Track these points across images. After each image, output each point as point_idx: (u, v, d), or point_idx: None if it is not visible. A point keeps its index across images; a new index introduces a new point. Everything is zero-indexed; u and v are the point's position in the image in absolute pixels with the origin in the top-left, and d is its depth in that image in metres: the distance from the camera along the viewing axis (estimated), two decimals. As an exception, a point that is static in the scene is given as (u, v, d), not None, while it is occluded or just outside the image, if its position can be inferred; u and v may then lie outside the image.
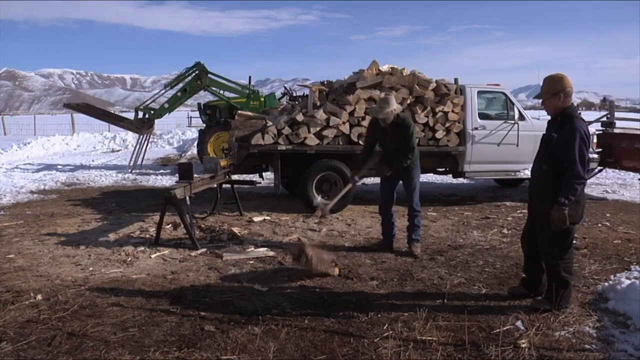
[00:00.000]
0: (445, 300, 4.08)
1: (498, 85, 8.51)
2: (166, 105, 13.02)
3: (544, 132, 3.88)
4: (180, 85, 13.09)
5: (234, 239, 5.97)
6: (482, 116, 8.09)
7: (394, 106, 5.22)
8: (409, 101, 7.66)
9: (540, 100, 3.82)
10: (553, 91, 3.72)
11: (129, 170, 12.15)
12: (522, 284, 4.22)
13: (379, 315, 3.79)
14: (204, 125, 13.83)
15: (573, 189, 3.57)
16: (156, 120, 13.20)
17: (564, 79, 3.74)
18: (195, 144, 14.49)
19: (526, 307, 3.95)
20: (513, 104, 8.26)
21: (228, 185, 7.41)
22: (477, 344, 3.33)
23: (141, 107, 13.22)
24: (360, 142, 7.60)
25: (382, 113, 5.21)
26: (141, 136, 12.99)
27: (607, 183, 10.69)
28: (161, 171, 12.49)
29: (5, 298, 4.08)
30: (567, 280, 3.84)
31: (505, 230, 6.48)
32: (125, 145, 18.87)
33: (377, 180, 5.41)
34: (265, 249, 5.58)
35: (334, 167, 7.50)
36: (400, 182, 5.51)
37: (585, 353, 3.23)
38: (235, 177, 8.00)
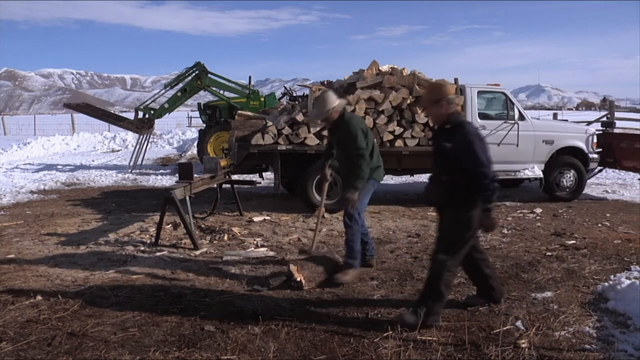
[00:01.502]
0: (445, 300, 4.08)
1: (498, 85, 8.51)
2: (166, 105, 13.02)
3: (436, 143, 3.74)
4: (180, 85, 13.10)
5: (234, 239, 5.97)
6: (482, 116, 8.09)
7: (334, 104, 4.45)
8: (409, 101, 7.66)
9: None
10: (434, 99, 3.58)
11: (129, 170, 12.15)
12: (478, 294, 4.04)
13: (379, 315, 3.79)
14: (204, 125, 13.83)
15: (490, 190, 3.43)
16: (156, 120, 13.21)
17: (444, 86, 3.64)
18: (195, 144, 14.49)
19: (525, 307, 3.95)
20: (513, 104, 8.26)
21: (228, 185, 7.41)
22: (477, 344, 3.33)
23: (141, 107, 13.22)
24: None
25: (320, 114, 4.52)
26: (141, 136, 12.99)
27: (607, 183, 10.70)
28: (161, 171, 12.50)
29: (5, 298, 4.08)
30: (442, 294, 3.56)
31: (505, 230, 6.48)
32: (125, 145, 18.87)
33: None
34: (265, 249, 5.59)
35: (333, 167, 7.48)
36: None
37: (585, 353, 3.23)
38: (235, 177, 8.00)
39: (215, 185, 7.08)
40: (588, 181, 9.10)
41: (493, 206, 3.47)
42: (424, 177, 10.77)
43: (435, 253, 3.65)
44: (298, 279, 4.32)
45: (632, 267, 4.90)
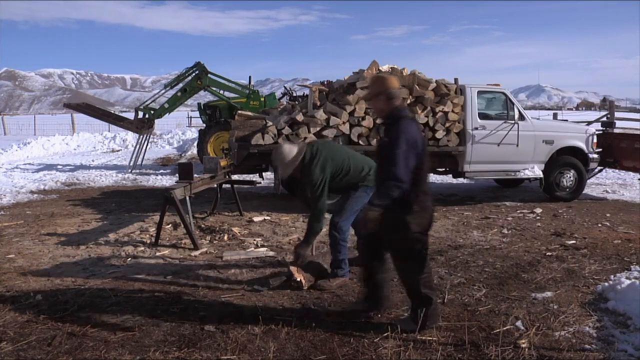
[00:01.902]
0: (445, 300, 4.08)
1: (498, 85, 8.51)
2: (166, 105, 13.02)
3: (380, 138, 3.51)
4: (180, 85, 13.10)
5: (234, 239, 5.97)
6: (482, 116, 8.09)
7: (291, 156, 4.14)
8: (408, 101, 7.66)
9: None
10: (375, 92, 3.45)
11: (129, 170, 12.15)
12: (364, 298, 3.84)
13: (379, 315, 3.79)
14: (204, 125, 13.83)
15: (388, 190, 3.21)
16: (156, 120, 13.21)
17: (386, 79, 3.45)
18: (195, 144, 14.48)
19: (525, 307, 3.95)
20: (513, 104, 8.26)
21: (228, 185, 7.41)
22: (477, 344, 3.33)
23: (141, 107, 13.22)
24: (361, 142, 7.61)
25: (284, 171, 4.23)
26: (141, 136, 12.99)
27: (607, 183, 10.69)
28: (161, 171, 12.49)
29: (5, 298, 4.08)
30: (428, 296, 3.46)
31: (505, 230, 6.48)
32: (125, 145, 18.87)
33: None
34: (265, 249, 5.59)
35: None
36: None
37: (585, 353, 3.23)
38: (235, 177, 8.00)
39: (215, 185, 7.08)
40: (588, 181, 9.10)
41: (380, 206, 3.25)
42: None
43: (394, 261, 3.55)
44: (298, 279, 4.31)
45: (632, 267, 4.90)
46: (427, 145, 3.51)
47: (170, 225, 6.43)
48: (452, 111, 7.78)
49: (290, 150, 4.19)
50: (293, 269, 4.36)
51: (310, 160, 4.17)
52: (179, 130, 21.94)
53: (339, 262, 4.43)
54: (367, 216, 3.31)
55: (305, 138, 7.42)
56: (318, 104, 7.89)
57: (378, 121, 6.43)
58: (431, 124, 7.72)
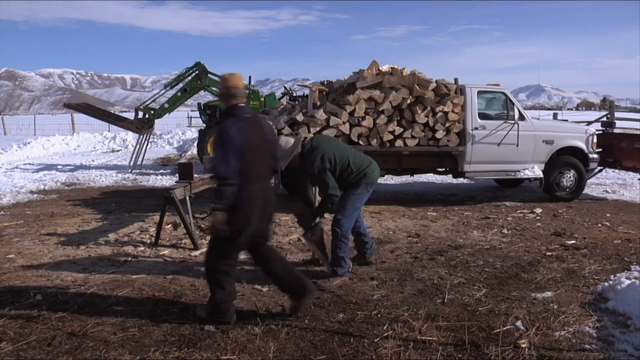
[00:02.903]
0: (445, 300, 4.09)
1: (498, 85, 8.51)
2: (166, 105, 13.02)
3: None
4: (180, 85, 13.09)
5: (234, 239, 5.96)
6: (482, 116, 8.09)
7: (288, 146, 4.35)
8: (408, 101, 7.66)
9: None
10: (220, 91, 3.67)
11: (129, 170, 12.15)
12: (291, 297, 3.87)
13: (379, 315, 3.79)
14: (204, 125, 13.82)
15: (218, 191, 3.31)
16: (156, 120, 13.20)
17: (228, 79, 3.56)
18: (195, 144, 14.49)
19: (525, 307, 3.95)
20: (513, 104, 8.26)
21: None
22: (477, 344, 3.33)
23: (141, 107, 13.22)
24: (361, 142, 7.61)
25: (284, 164, 4.37)
26: (141, 136, 12.99)
27: (607, 183, 10.69)
28: (161, 171, 12.50)
29: (5, 298, 4.08)
30: (214, 293, 3.55)
31: (505, 230, 6.48)
32: (125, 145, 18.87)
33: (379, 180, 5.31)
34: (265, 249, 5.58)
35: (298, 205, 7.45)
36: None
37: (585, 353, 3.23)
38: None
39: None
40: (588, 181, 9.10)
41: (219, 208, 3.32)
42: (424, 177, 10.79)
43: (206, 254, 3.72)
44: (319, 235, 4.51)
45: (632, 267, 4.90)
46: (264, 143, 3.56)
47: (170, 225, 6.43)
48: (452, 111, 7.78)
49: (287, 142, 4.39)
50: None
51: (311, 151, 4.35)
52: (179, 130, 21.93)
53: (339, 259, 4.48)
54: (213, 221, 3.39)
55: (305, 138, 7.41)
56: (318, 104, 7.89)
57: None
58: (431, 124, 7.72)
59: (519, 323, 3.64)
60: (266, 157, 3.59)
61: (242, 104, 3.56)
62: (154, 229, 6.15)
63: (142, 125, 12.80)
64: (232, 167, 3.30)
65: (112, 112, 18.80)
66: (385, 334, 3.43)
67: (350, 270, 4.63)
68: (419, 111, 7.63)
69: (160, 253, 5.38)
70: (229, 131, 3.36)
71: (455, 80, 8.22)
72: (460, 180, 10.14)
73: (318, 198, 5.02)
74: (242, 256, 4.05)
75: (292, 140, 4.44)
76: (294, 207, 4.74)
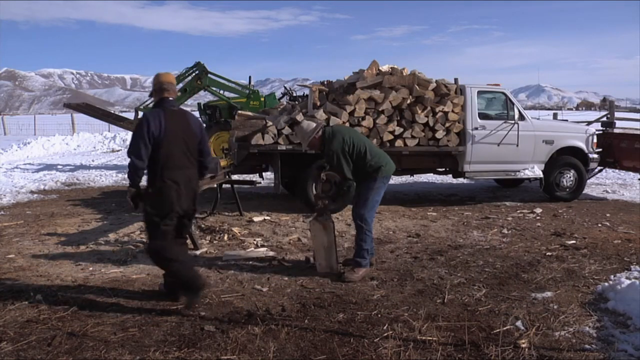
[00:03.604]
0: (445, 300, 4.09)
1: (498, 85, 8.51)
2: (166, 105, 13.00)
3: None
4: (180, 85, 13.08)
5: (234, 239, 5.97)
6: (482, 116, 8.09)
7: (309, 130, 4.67)
8: (408, 101, 7.66)
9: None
10: (153, 88, 3.97)
11: (129, 170, 12.13)
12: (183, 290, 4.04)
13: (379, 315, 3.79)
14: (204, 125, 13.82)
15: (129, 169, 3.72)
16: (156, 120, 13.19)
17: (159, 75, 3.95)
18: (196, 144, 14.46)
19: (525, 307, 3.95)
20: (513, 104, 8.25)
21: (228, 185, 7.41)
22: (477, 344, 3.33)
23: (141, 107, 13.21)
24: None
25: (303, 144, 4.78)
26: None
27: (607, 183, 10.70)
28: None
29: (5, 298, 4.08)
30: (172, 271, 3.90)
31: (505, 230, 6.48)
32: (125, 145, 18.84)
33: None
34: (265, 249, 5.59)
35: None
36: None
37: (585, 353, 3.23)
38: (235, 177, 7.99)
39: (215, 185, 7.08)
40: (588, 181, 9.10)
41: (130, 184, 3.75)
42: (424, 177, 10.79)
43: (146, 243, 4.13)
44: (311, 260, 4.83)
45: (632, 267, 4.90)
46: (185, 135, 3.86)
47: (170, 225, 6.42)
48: (452, 111, 7.78)
49: (309, 125, 4.74)
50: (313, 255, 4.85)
51: (331, 138, 4.58)
52: (179, 130, 21.90)
53: (363, 252, 4.68)
54: (128, 195, 3.81)
55: (326, 125, 7.38)
56: (318, 104, 7.88)
57: None
58: (431, 124, 7.72)
59: (519, 323, 3.64)
60: (187, 148, 3.86)
61: (170, 98, 3.90)
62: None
63: (142, 125, 12.78)
64: (136, 151, 3.66)
65: (112, 112, 18.79)
66: (385, 334, 3.44)
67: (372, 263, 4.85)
68: (419, 111, 7.62)
69: (160, 253, 5.37)
70: (145, 121, 3.73)
71: (455, 80, 8.22)
72: (460, 180, 10.14)
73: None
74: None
75: (313, 124, 4.73)
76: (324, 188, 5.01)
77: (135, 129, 3.75)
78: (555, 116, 16.83)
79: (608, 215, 7.46)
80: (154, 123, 3.69)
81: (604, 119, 12.12)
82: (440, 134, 7.78)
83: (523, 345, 3.28)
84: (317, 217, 4.79)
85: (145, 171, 3.81)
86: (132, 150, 3.68)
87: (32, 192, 9.43)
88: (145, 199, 3.78)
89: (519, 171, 8.22)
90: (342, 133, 4.66)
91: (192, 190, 3.90)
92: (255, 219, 7.04)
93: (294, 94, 13.31)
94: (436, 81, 7.91)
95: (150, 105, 13.21)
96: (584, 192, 8.76)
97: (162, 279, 4.16)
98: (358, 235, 4.68)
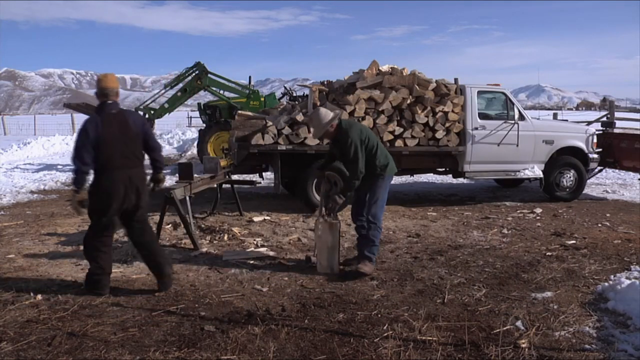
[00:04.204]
0: (445, 300, 4.09)
1: (498, 85, 8.51)
2: (166, 105, 13.02)
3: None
4: (180, 85, 13.09)
5: (234, 239, 5.97)
6: (482, 116, 8.09)
7: (327, 118, 4.61)
8: (408, 101, 7.66)
9: None
10: (95, 92, 4.13)
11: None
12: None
13: (379, 315, 3.79)
14: (204, 125, 13.82)
15: (74, 176, 3.95)
16: (156, 120, 13.20)
17: (100, 80, 4.07)
18: (195, 144, 14.47)
19: (525, 307, 3.95)
20: (513, 104, 8.26)
21: (228, 185, 7.40)
22: (477, 344, 3.33)
23: (141, 107, 13.21)
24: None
25: (317, 132, 4.75)
26: (141, 136, 12.96)
27: (607, 183, 10.70)
28: (161, 171, 12.47)
29: (5, 298, 4.08)
30: (90, 265, 4.19)
31: (505, 230, 6.49)
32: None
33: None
34: (265, 249, 5.59)
35: (334, 167, 7.48)
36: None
37: (585, 353, 3.23)
38: (235, 177, 7.99)
39: (215, 185, 7.08)
40: (588, 181, 9.10)
41: (75, 189, 3.95)
42: (424, 177, 10.79)
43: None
44: (313, 260, 4.82)
45: (632, 267, 4.90)
46: (125, 136, 4.03)
47: (170, 225, 6.43)
48: (452, 111, 7.78)
49: (327, 114, 4.65)
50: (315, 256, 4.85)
51: (348, 128, 4.59)
52: (179, 130, 21.90)
53: (374, 248, 4.78)
54: (71, 201, 4.05)
55: (305, 138, 7.42)
56: (318, 104, 7.88)
57: None
58: (431, 124, 7.72)
59: (519, 323, 3.64)
60: (128, 149, 4.04)
61: (110, 102, 4.04)
62: (153, 229, 6.14)
63: (142, 125, 12.77)
64: (80, 157, 3.89)
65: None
66: (385, 334, 3.44)
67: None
68: (419, 111, 7.63)
69: (160, 253, 5.37)
70: (84, 127, 3.94)
71: (455, 80, 8.22)
72: (460, 180, 10.14)
73: (317, 199, 5.18)
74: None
75: (331, 113, 4.69)
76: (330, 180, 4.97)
77: (77, 136, 4.00)
78: (555, 116, 16.84)
79: (608, 215, 7.46)
80: (91, 129, 3.91)
81: (604, 119, 12.11)
82: (440, 134, 7.78)
83: (523, 345, 3.28)
84: (325, 216, 4.81)
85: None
86: (76, 156, 3.90)
87: (32, 192, 9.44)
88: (89, 196, 4.02)
89: (519, 171, 8.22)
90: (358, 125, 4.70)
91: (135, 188, 4.09)
92: (255, 219, 7.04)
93: (294, 94, 13.31)
94: (436, 81, 7.91)
95: (151, 104, 13.25)
96: (584, 192, 8.76)
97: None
98: (370, 232, 4.72)
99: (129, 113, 4.24)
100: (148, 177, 4.34)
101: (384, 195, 4.78)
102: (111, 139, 3.95)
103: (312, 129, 4.79)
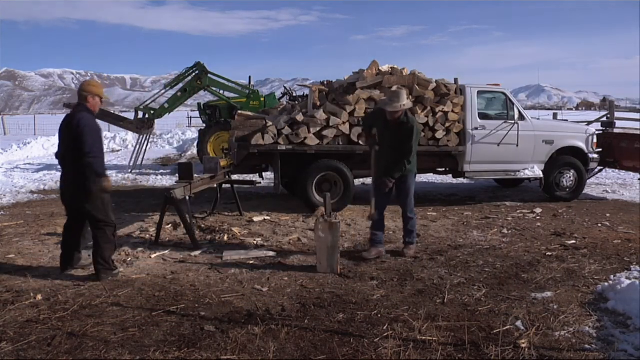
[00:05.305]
0: (445, 300, 4.09)
1: (498, 85, 8.51)
2: (166, 105, 13.01)
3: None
4: (180, 85, 13.08)
5: (234, 239, 5.97)
6: (482, 116, 8.09)
7: (405, 101, 5.12)
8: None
9: None
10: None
11: (129, 170, 12.15)
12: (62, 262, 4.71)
13: (379, 315, 3.79)
14: (204, 125, 13.82)
15: (88, 166, 4.40)
16: (156, 120, 13.19)
17: (83, 85, 4.62)
18: (195, 144, 14.48)
19: (525, 307, 3.95)
20: (513, 104, 8.26)
21: (228, 185, 7.40)
22: (477, 344, 3.33)
23: (141, 107, 13.21)
24: (361, 142, 7.60)
25: (392, 106, 5.10)
26: (141, 136, 12.98)
27: (607, 183, 10.70)
28: (161, 171, 12.49)
29: (5, 298, 4.08)
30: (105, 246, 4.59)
31: (505, 230, 6.48)
32: (125, 145, 18.87)
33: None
34: (265, 249, 5.59)
35: (334, 167, 7.50)
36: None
37: (585, 353, 3.23)
38: (235, 177, 7.99)
39: (215, 185, 7.07)
40: (588, 181, 9.10)
41: (105, 175, 4.62)
42: (424, 177, 10.79)
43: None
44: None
45: (632, 267, 4.90)
46: (64, 138, 4.52)
47: (170, 225, 6.43)
48: (452, 111, 7.78)
49: (406, 99, 5.17)
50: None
51: (414, 120, 5.27)
52: (179, 130, 21.93)
53: (414, 234, 5.51)
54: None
55: (305, 138, 7.42)
56: (318, 104, 7.88)
57: None
58: (431, 124, 7.72)
59: (519, 323, 3.64)
60: (66, 151, 4.48)
61: (79, 104, 4.52)
62: (154, 229, 6.15)
63: (142, 125, 12.78)
64: (101, 149, 4.58)
65: (112, 112, 18.79)
66: (385, 334, 3.44)
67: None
68: (419, 111, 7.62)
69: (160, 253, 5.38)
70: (95, 123, 4.50)
71: (455, 80, 8.22)
72: (460, 180, 10.14)
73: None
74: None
75: (410, 104, 5.42)
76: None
77: (92, 132, 4.41)
78: (555, 116, 16.83)
79: (608, 215, 7.46)
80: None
81: (604, 119, 12.11)
82: (440, 134, 7.78)
83: (523, 345, 3.28)
84: (324, 216, 4.86)
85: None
86: (98, 149, 4.53)
87: (32, 192, 9.43)
88: (92, 195, 4.53)
89: (519, 171, 8.22)
90: (419, 126, 5.48)
91: (69, 191, 4.56)
92: (255, 219, 7.04)
93: (294, 94, 13.31)
94: (436, 81, 7.91)
95: (151, 104, 13.25)
96: (584, 192, 8.76)
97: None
98: (408, 224, 5.38)
99: (73, 114, 4.55)
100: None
101: (413, 189, 5.41)
102: (60, 140, 4.67)
103: (388, 102, 5.12)
